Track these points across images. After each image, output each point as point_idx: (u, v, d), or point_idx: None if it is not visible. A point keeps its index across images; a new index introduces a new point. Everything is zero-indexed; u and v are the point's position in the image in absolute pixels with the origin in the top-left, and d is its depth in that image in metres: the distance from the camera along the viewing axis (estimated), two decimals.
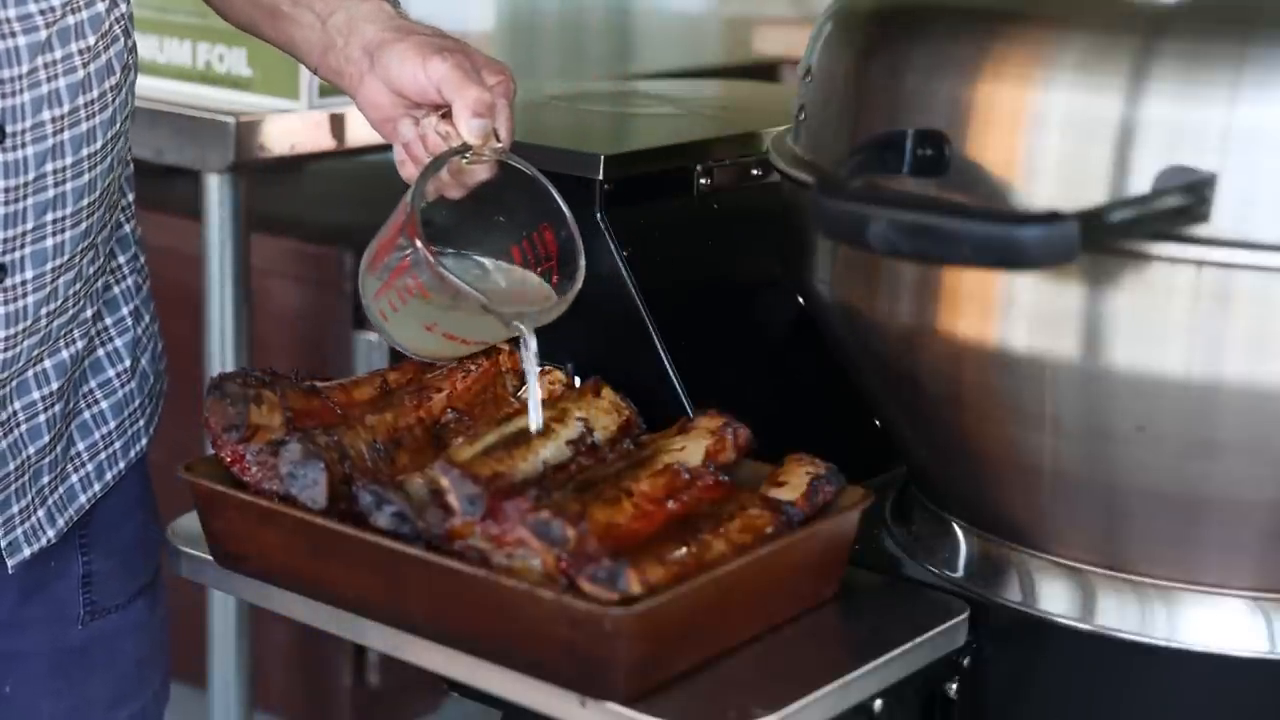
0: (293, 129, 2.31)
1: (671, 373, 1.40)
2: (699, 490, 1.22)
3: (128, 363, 1.45)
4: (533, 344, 1.29)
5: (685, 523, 1.19)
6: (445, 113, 1.32)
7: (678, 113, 1.75)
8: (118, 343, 1.45)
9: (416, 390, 1.35)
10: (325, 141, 2.35)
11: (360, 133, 2.39)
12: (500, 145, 1.31)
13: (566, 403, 1.32)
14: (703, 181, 1.51)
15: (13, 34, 1.24)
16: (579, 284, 1.33)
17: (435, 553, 1.17)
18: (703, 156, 1.51)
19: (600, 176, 1.42)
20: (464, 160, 1.31)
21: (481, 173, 1.33)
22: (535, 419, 1.28)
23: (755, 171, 1.54)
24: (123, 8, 1.34)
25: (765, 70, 3.21)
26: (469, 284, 1.28)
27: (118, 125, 1.34)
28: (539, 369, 1.34)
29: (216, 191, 2.31)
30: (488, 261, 1.37)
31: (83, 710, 1.46)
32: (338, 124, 2.35)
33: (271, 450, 1.26)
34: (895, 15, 1.26)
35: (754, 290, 1.52)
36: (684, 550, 1.16)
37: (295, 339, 2.73)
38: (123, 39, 1.34)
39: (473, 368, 1.37)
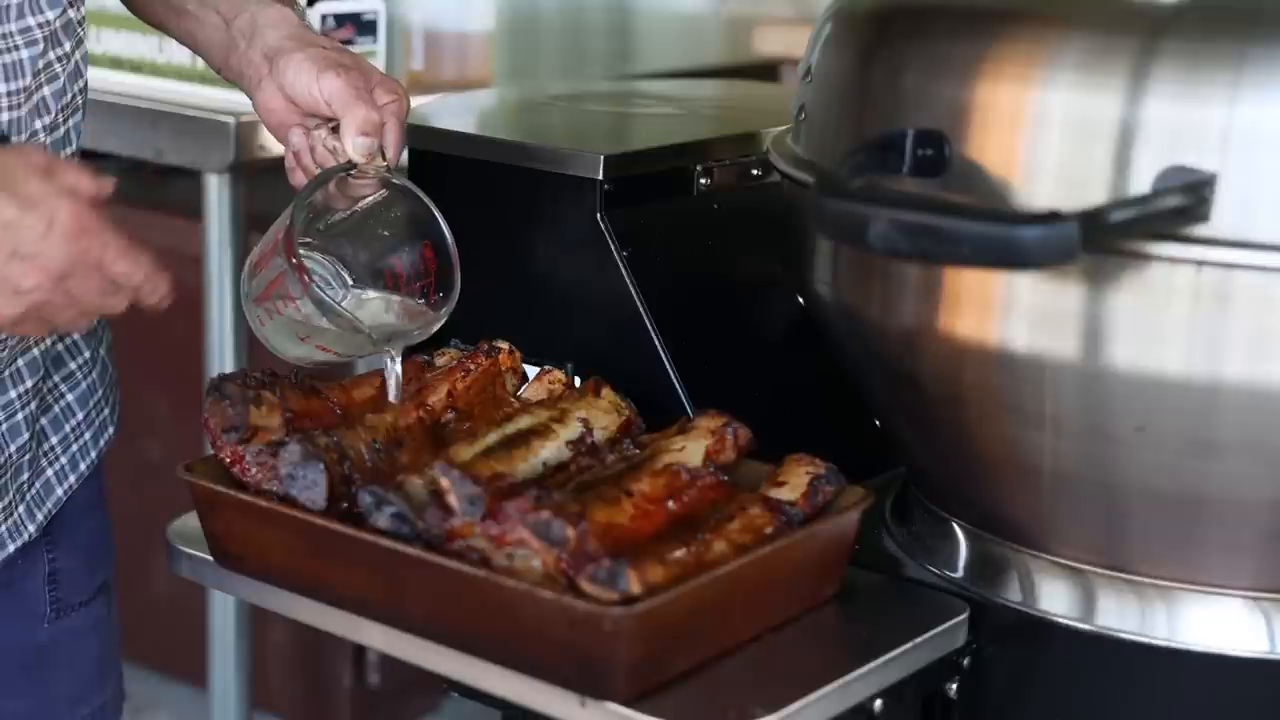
0: None
1: (671, 373, 1.40)
2: (699, 490, 1.22)
3: (87, 354, 1.47)
4: (398, 368, 1.34)
5: (685, 523, 1.19)
6: (335, 127, 1.35)
7: (678, 113, 1.74)
8: (74, 334, 1.45)
9: (416, 390, 1.35)
10: None
11: None
12: (384, 164, 1.35)
13: (566, 403, 1.32)
14: (703, 181, 1.51)
15: (16, 47, 1.25)
16: (452, 304, 1.36)
17: (435, 553, 1.17)
18: (703, 156, 1.51)
19: (600, 176, 1.42)
20: (349, 177, 1.34)
21: (365, 189, 1.36)
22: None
23: (755, 171, 1.54)
24: (82, 11, 1.36)
25: (765, 70, 3.21)
26: (342, 303, 1.32)
27: (82, 124, 1.36)
28: (541, 369, 1.36)
29: (216, 191, 2.31)
30: (363, 289, 1.40)
31: (46, 708, 1.47)
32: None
33: (271, 451, 1.26)
34: (895, 15, 1.26)
35: (754, 290, 1.52)
36: (684, 550, 1.16)
37: None
38: (84, 41, 1.36)
39: (472, 367, 1.37)
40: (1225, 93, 1.08)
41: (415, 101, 1.71)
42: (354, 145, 1.33)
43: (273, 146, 2.29)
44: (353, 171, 1.34)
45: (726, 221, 1.51)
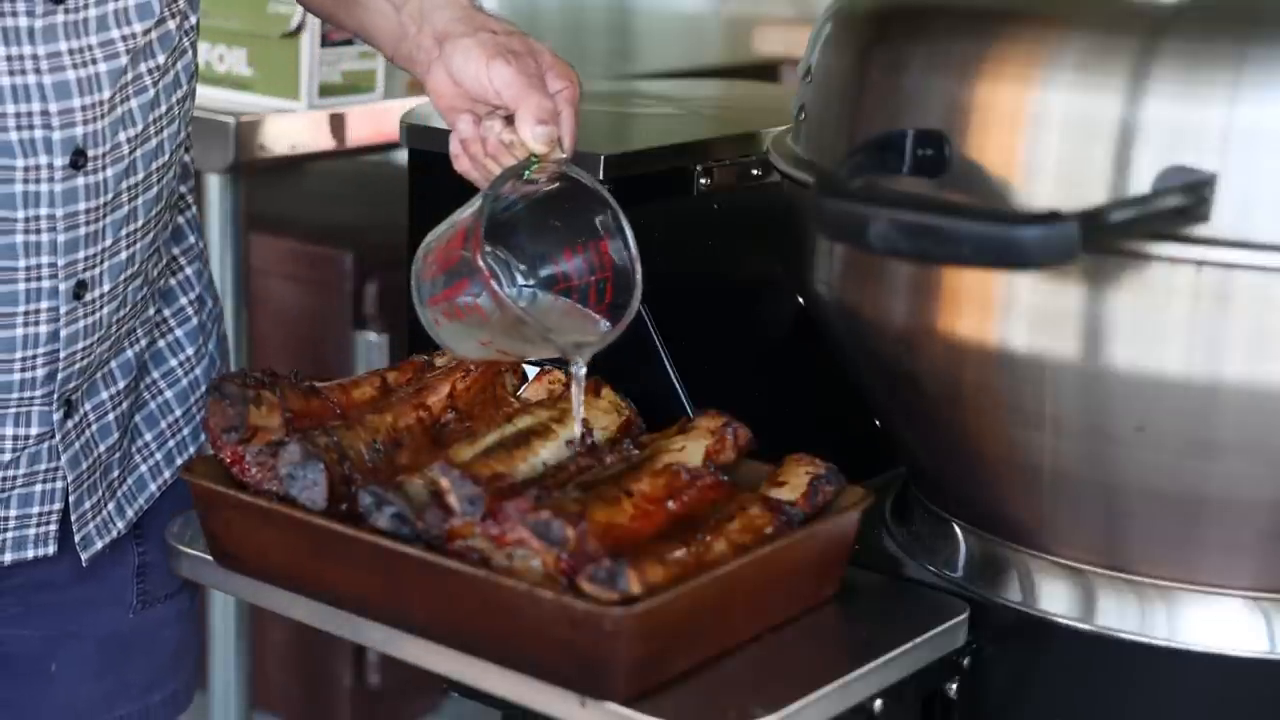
0: (293, 129, 2.31)
1: (671, 373, 1.40)
2: (699, 490, 1.22)
3: (190, 351, 1.47)
4: (582, 374, 1.28)
5: (685, 523, 1.19)
6: (508, 117, 1.30)
7: (678, 113, 1.75)
8: (178, 333, 1.46)
9: (416, 390, 1.35)
10: (325, 141, 2.35)
11: (360, 133, 2.39)
12: (564, 155, 1.30)
13: (566, 403, 1.32)
14: (703, 181, 1.50)
15: (93, 60, 1.24)
16: (634, 308, 1.29)
17: (435, 553, 1.17)
18: (703, 156, 1.51)
19: (600, 176, 1.42)
20: (528, 172, 1.29)
21: (542, 181, 1.31)
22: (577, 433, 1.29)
23: (755, 171, 1.54)
24: (192, 19, 1.34)
25: (765, 70, 3.21)
26: (528, 310, 1.26)
27: (182, 134, 1.36)
28: (541, 369, 1.35)
29: (216, 191, 2.31)
30: (534, 285, 1.34)
31: (120, 693, 1.48)
32: (338, 124, 2.35)
33: (271, 451, 1.26)
34: (895, 15, 1.26)
35: (754, 290, 1.52)
36: (684, 550, 1.16)
37: (295, 339, 2.73)
38: (190, 51, 1.34)
39: (472, 368, 1.37)
40: (1225, 93, 1.08)
41: (415, 101, 1.71)
42: (533, 135, 1.27)
43: (273, 146, 2.29)
44: (533, 165, 1.28)
45: (726, 221, 1.51)
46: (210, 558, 1.32)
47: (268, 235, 2.66)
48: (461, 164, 1.34)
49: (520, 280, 1.34)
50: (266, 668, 2.73)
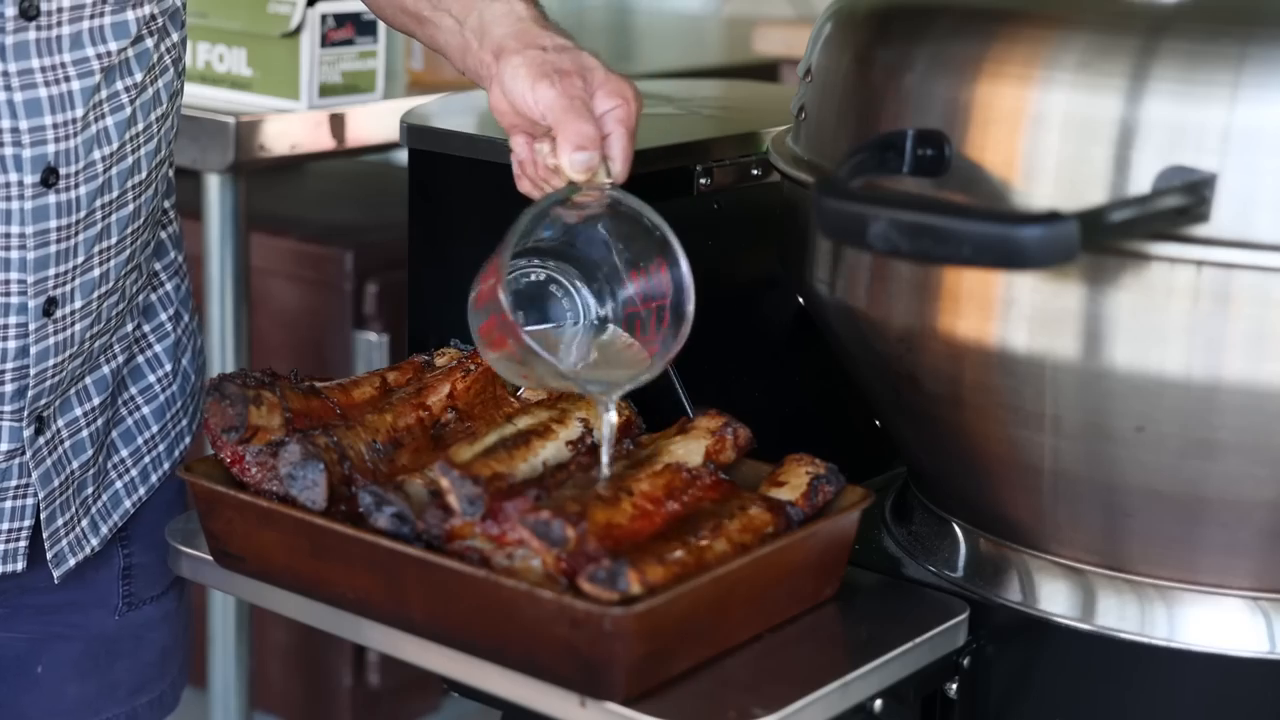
0: (293, 129, 2.31)
1: (671, 373, 1.40)
2: (699, 490, 1.22)
3: (168, 367, 1.46)
4: (612, 418, 1.23)
5: (685, 523, 1.19)
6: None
7: (678, 113, 1.74)
8: (157, 349, 1.45)
9: (416, 390, 1.34)
10: (325, 141, 2.35)
11: (360, 133, 2.38)
12: (608, 181, 1.25)
13: (566, 403, 1.32)
14: (703, 181, 1.50)
15: (66, 78, 1.24)
16: (679, 346, 1.25)
17: (435, 553, 1.17)
18: (703, 156, 1.51)
19: None
20: (572, 196, 1.24)
21: (594, 207, 1.27)
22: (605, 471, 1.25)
23: (755, 171, 1.54)
24: (174, 37, 1.33)
25: (765, 70, 3.21)
26: (539, 348, 1.22)
27: (163, 152, 1.35)
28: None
29: (216, 191, 2.31)
30: (611, 325, 1.32)
31: (106, 695, 1.48)
32: (338, 124, 2.35)
33: (271, 451, 1.26)
34: (895, 15, 1.26)
35: (754, 290, 1.52)
36: (684, 550, 1.16)
37: (295, 339, 2.73)
38: (172, 69, 1.34)
39: (472, 367, 1.37)
40: (1225, 93, 1.08)
41: (415, 101, 1.71)
42: (570, 163, 1.22)
43: (273, 146, 2.29)
44: (578, 190, 1.23)
45: (726, 221, 1.51)
46: (210, 558, 1.32)
47: (268, 235, 2.66)
48: (523, 185, 1.31)
49: (594, 305, 1.32)
50: (266, 668, 2.74)
